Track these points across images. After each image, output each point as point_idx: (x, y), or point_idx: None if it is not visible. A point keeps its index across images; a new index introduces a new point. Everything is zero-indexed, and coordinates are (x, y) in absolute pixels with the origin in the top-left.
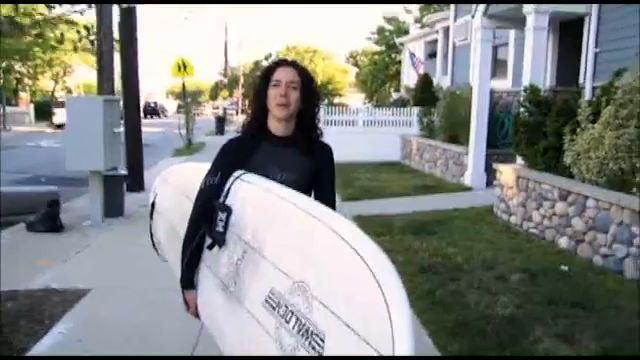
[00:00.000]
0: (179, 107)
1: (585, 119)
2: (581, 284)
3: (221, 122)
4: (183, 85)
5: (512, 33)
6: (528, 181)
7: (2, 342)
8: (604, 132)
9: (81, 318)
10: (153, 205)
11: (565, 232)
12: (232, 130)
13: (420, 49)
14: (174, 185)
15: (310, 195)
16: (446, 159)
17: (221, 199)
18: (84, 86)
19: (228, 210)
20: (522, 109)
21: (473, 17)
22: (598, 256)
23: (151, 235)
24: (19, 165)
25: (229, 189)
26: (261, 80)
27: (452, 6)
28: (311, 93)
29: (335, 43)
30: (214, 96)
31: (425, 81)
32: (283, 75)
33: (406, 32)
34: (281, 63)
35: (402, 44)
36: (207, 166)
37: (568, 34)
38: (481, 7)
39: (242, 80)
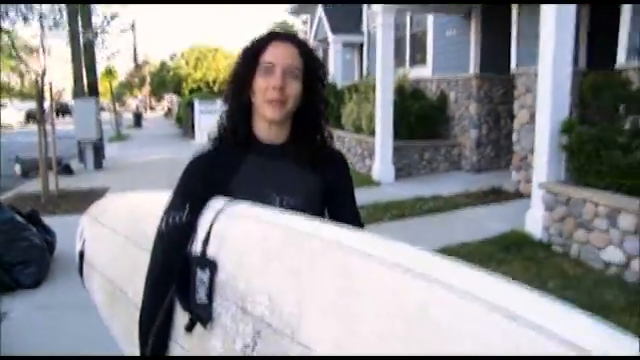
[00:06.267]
0: None
1: (347, 100)
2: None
3: (138, 117)
4: (110, 87)
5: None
6: None
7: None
8: (353, 107)
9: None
10: (82, 256)
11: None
12: (148, 126)
13: None
14: (112, 227)
15: None
16: None
17: (198, 247)
18: None
19: (212, 266)
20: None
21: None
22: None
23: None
24: None
25: (209, 231)
26: (243, 63)
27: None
28: (318, 82)
29: (237, 43)
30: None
31: None
32: (279, 56)
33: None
34: (275, 37)
35: None
36: (156, 197)
37: (361, 52)
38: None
39: (149, 79)
